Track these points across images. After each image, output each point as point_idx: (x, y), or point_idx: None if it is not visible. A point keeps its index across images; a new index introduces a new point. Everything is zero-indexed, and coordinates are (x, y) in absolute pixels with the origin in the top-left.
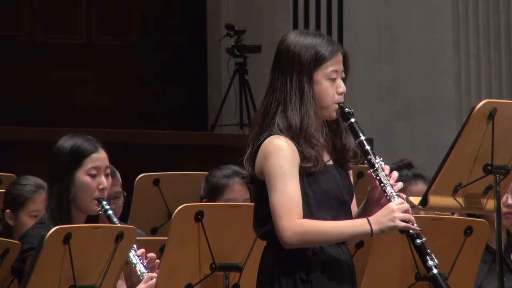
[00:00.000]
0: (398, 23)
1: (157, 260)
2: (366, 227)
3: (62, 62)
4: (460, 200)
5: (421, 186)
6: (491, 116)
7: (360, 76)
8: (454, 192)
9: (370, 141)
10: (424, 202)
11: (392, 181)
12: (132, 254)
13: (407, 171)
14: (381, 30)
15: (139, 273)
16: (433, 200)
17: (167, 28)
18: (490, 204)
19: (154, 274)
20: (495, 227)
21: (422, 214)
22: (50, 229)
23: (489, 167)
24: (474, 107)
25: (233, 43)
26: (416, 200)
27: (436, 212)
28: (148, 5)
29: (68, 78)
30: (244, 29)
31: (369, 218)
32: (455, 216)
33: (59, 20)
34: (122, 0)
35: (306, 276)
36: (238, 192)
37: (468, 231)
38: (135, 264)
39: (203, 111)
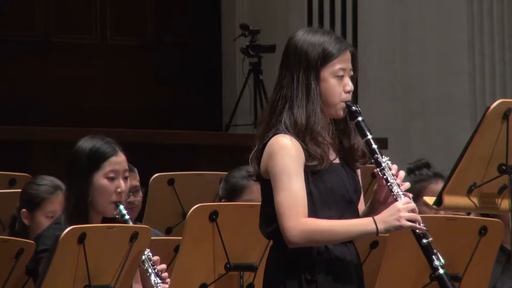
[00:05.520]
0: (413, 23)
1: (166, 273)
2: (372, 226)
3: (78, 62)
4: (475, 200)
5: (441, 185)
6: (506, 116)
7: (375, 76)
8: (469, 192)
9: (385, 141)
10: (439, 202)
11: (399, 181)
12: (146, 263)
13: (427, 171)
14: (396, 30)
15: (153, 283)
16: (448, 200)
17: (181, 28)
18: (504, 204)
19: (167, 286)
20: (510, 227)
21: (442, 213)
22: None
23: (504, 167)
24: (489, 107)
25: (248, 43)
26: (431, 200)
27: (454, 212)
28: (162, 5)
29: (84, 78)
30: (258, 29)
31: (375, 217)
32: (469, 216)
33: (74, 20)
34: (137, 0)
35: (311, 276)
36: (257, 193)
37: (483, 231)
38: (150, 274)
39: (217, 111)
